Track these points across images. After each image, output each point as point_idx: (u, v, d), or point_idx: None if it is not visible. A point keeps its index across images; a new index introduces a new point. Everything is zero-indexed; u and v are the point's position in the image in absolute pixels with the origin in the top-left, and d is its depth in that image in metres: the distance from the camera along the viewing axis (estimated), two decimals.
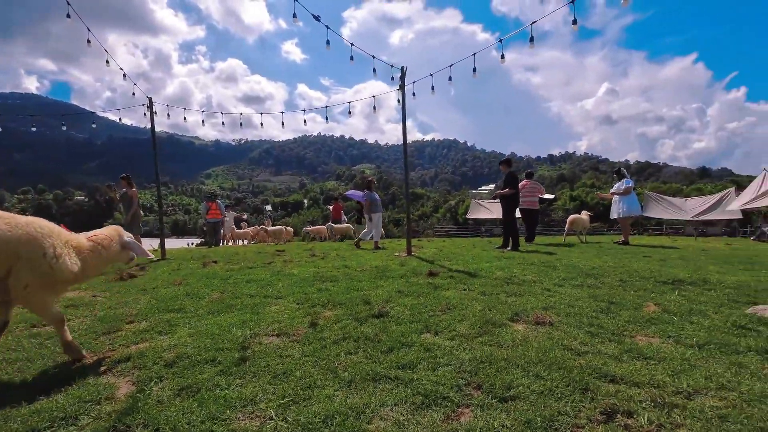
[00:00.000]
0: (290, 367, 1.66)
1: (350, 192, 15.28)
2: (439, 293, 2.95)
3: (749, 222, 16.38)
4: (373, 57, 5.04)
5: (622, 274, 3.76)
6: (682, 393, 1.34)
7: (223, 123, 7.12)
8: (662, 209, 16.76)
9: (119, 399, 1.48)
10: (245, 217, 23.90)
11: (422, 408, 1.33)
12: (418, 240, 10.88)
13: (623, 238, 8.07)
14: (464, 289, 3.12)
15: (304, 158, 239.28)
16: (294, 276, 3.95)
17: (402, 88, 5.59)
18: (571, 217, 9.20)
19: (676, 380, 1.44)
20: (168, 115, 7.05)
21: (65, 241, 1.76)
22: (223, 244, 13.83)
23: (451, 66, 5.12)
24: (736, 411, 1.21)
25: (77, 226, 5.11)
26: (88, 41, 5.32)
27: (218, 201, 11.82)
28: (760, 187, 12.48)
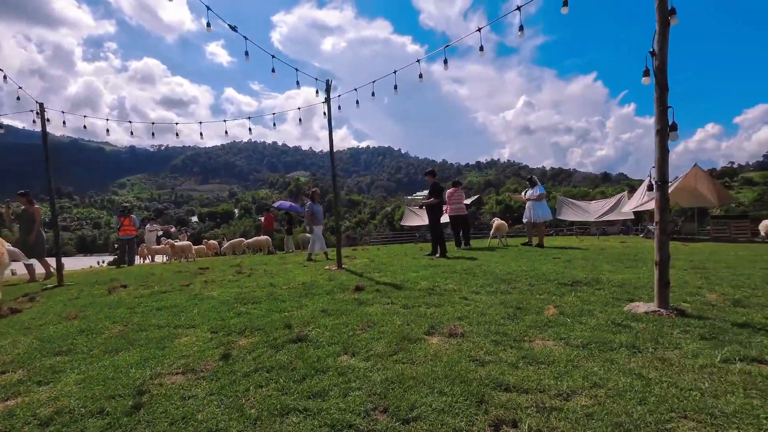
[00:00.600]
0: (192, 409, 1.55)
1: (279, 203, 14.84)
2: (363, 310, 2.98)
3: (640, 221, 18.92)
4: (297, 69, 4.98)
5: (532, 278, 4.12)
6: (562, 395, 1.50)
7: (132, 132, 6.48)
8: (572, 212, 18.72)
9: None
10: (173, 230, 21.92)
11: None
12: (353, 249, 10.90)
13: (538, 241, 8.85)
14: (388, 303, 3.18)
15: (234, 165, 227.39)
16: (213, 299, 3.72)
17: (327, 101, 5.59)
18: (496, 222, 9.95)
19: (559, 383, 1.61)
20: (64, 122, 6.24)
21: None
22: (143, 261, 12.55)
23: (374, 82, 5.23)
24: (600, 408, 1.39)
25: None
26: None
27: (132, 216, 10.69)
28: (646, 190, 14.50)
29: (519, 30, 3.70)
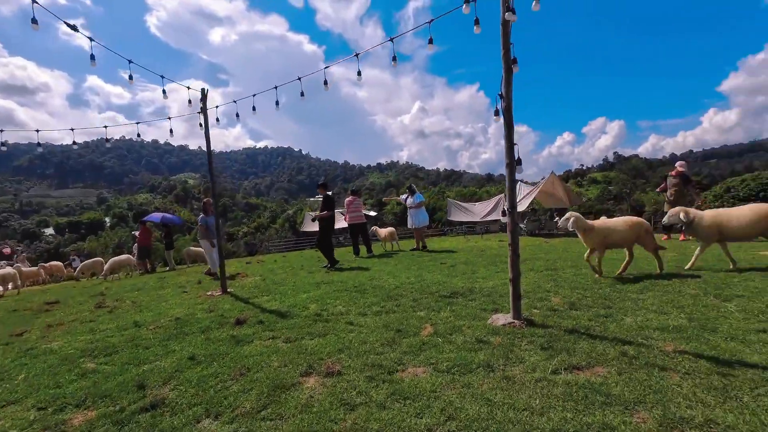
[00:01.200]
0: None
1: (150, 216, 13.17)
2: (240, 351, 2.77)
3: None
4: (162, 77, 4.42)
5: (417, 291, 4.36)
6: None
7: None
8: (461, 213, 20.48)
9: None
10: (6, 250, 17.95)
11: None
12: (246, 263, 10.19)
13: (422, 244, 9.59)
14: (270, 338, 3.02)
15: (103, 167, 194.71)
16: (52, 354, 3.08)
17: (204, 111, 5.11)
18: (388, 230, 10.44)
19: (420, 420, 1.70)
20: None
21: None
22: None
23: (276, 87, 4.95)
24: None
25: None
26: None
27: None
28: (519, 193, 16.64)
29: (429, 43, 3.59)
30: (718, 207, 21.72)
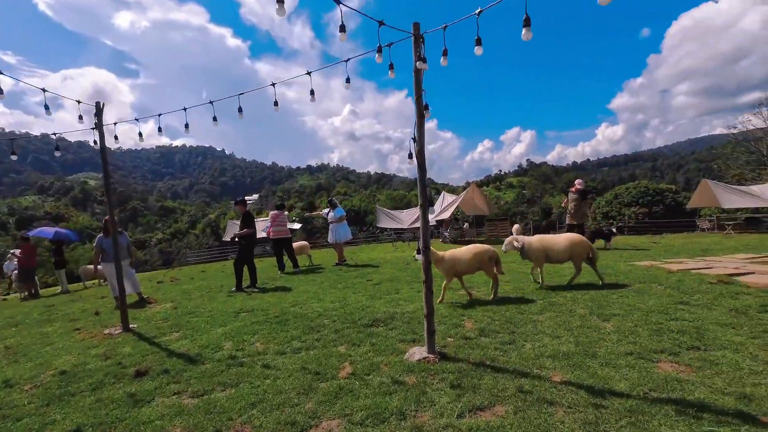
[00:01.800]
0: None
1: (38, 230, 11.41)
2: (137, 415, 2.50)
3: (440, 227, 22.69)
4: (44, 90, 3.83)
5: (340, 319, 4.34)
6: None
7: None
8: (390, 220, 20.90)
9: None
10: None
11: None
12: (158, 282, 9.23)
13: (341, 259, 9.69)
14: (175, 393, 2.78)
15: None
16: None
17: (99, 127, 4.53)
18: (299, 243, 10.44)
19: None
20: None
21: None
22: None
23: (211, 103, 4.53)
24: None
25: None
26: None
27: None
28: (442, 203, 17.50)
29: (389, 69, 3.51)
30: (608, 212, 24.78)
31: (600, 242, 9.83)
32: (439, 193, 20.54)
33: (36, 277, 10.58)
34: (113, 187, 5.11)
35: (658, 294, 4.42)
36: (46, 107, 3.83)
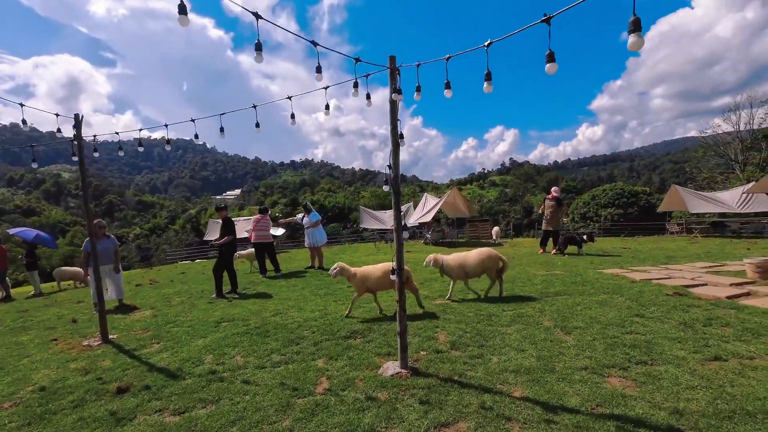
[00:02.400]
0: None
1: (18, 230, 11.12)
2: None
3: (422, 228, 22.99)
4: (21, 105, 3.82)
5: (320, 330, 4.47)
6: None
7: None
8: (372, 220, 21.06)
9: None
10: None
11: None
12: (137, 285, 9.12)
13: (319, 264, 9.83)
14: (157, 410, 2.88)
15: None
16: None
17: (78, 139, 4.52)
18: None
19: None
20: None
21: None
22: None
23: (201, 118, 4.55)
24: None
25: None
26: None
27: None
28: (424, 206, 17.75)
29: (366, 98, 3.73)
30: (585, 212, 25.50)
31: (573, 248, 10.25)
32: (423, 192, 20.80)
33: (7, 279, 10.31)
34: (88, 180, 5.06)
35: (619, 306, 4.73)
36: (23, 122, 3.82)
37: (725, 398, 2.51)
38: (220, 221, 7.64)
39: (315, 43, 2.60)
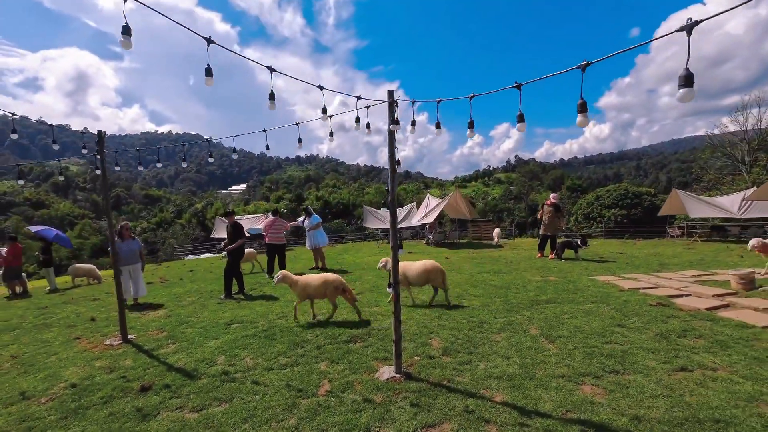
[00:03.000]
0: None
1: (39, 228, 11.57)
2: (146, 428, 2.96)
3: (423, 227, 23.29)
4: (12, 117, 4.17)
5: (322, 334, 4.81)
6: None
7: None
8: (376, 220, 21.39)
9: None
10: None
11: None
12: (148, 283, 9.51)
13: (322, 265, 10.24)
14: (177, 408, 3.24)
15: None
16: None
17: (101, 152, 4.88)
18: (248, 251, 10.60)
19: None
20: None
21: None
22: None
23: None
24: None
25: None
26: None
27: None
28: (427, 206, 18.04)
29: (367, 128, 4.07)
30: (589, 213, 25.58)
31: (570, 252, 10.51)
32: (428, 188, 21.07)
33: (24, 275, 10.76)
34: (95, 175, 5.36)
35: (603, 315, 5.04)
36: (55, 141, 4.16)
37: (682, 407, 2.82)
38: (228, 224, 8.02)
39: (321, 87, 2.91)
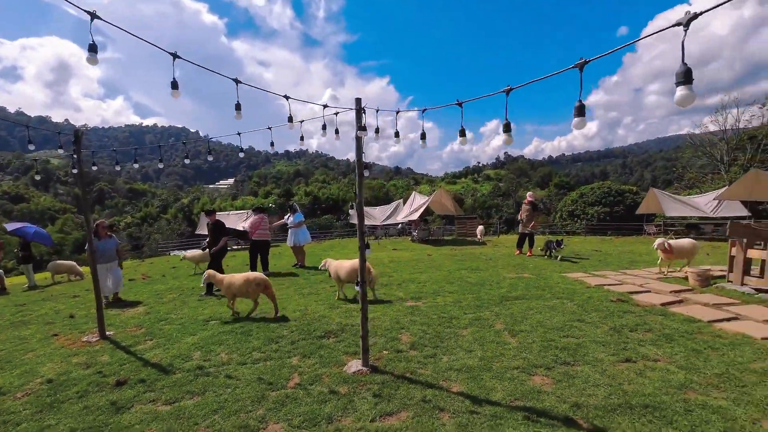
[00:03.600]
0: None
1: (14, 225, 11.43)
2: (120, 420, 3.09)
3: (410, 225, 23.54)
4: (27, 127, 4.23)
5: (297, 330, 4.98)
6: None
7: None
8: (366, 219, 21.55)
9: None
10: None
11: None
12: (129, 279, 9.54)
13: (301, 263, 10.37)
14: (151, 401, 3.38)
15: None
16: None
17: (78, 152, 4.94)
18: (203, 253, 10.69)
19: None
20: None
21: None
22: None
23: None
24: None
25: None
26: None
27: None
28: (412, 204, 18.27)
29: (335, 133, 4.23)
30: (573, 210, 26.12)
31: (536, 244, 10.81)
32: (417, 184, 21.27)
33: (1, 271, 10.65)
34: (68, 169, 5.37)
35: (566, 311, 5.31)
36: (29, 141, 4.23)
37: (619, 394, 3.08)
38: (209, 222, 8.08)
39: (287, 97, 3.06)
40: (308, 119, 3.99)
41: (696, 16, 1.54)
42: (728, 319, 4.68)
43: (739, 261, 6.10)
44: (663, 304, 5.33)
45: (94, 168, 5.22)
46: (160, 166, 5.55)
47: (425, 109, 3.24)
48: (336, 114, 3.63)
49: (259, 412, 3.11)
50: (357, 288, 3.91)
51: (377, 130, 3.40)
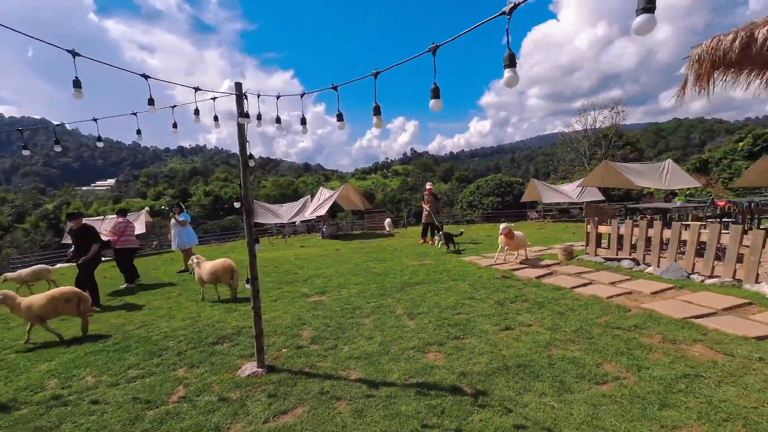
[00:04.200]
0: None
1: None
2: None
3: (319, 221, 23.18)
4: None
5: (187, 339, 4.51)
6: None
7: None
8: (269, 215, 20.55)
9: None
10: None
11: None
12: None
13: (185, 267, 9.49)
14: None
15: None
16: None
17: None
18: (38, 267, 9.36)
19: None
20: None
21: None
22: None
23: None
24: None
25: None
26: None
27: None
28: (320, 198, 17.99)
29: (214, 120, 3.76)
30: (471, 201, 28.39)
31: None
32: (328, 180, 20.97)
33: None
34: None
35: (459, 291, 5.74)
36: None
37: (498, 359, 3.42)
38: (74, 228, 6.85)
39: (146, 76, 2.69)
40: (184, 104, 3.58)
41: (517, 5, 1.73)
42: (584, 285, 5.54)
43: (592, 236, 7.29)
44: (537, 277, 6.10)
45: None
46: (26, 153, 4.51)
47: (303, 94, 3.14)
48: (213, 99, 3.32)
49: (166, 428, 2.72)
50: (248, 286, 3.66)
51: (259, 116, 3.20)
